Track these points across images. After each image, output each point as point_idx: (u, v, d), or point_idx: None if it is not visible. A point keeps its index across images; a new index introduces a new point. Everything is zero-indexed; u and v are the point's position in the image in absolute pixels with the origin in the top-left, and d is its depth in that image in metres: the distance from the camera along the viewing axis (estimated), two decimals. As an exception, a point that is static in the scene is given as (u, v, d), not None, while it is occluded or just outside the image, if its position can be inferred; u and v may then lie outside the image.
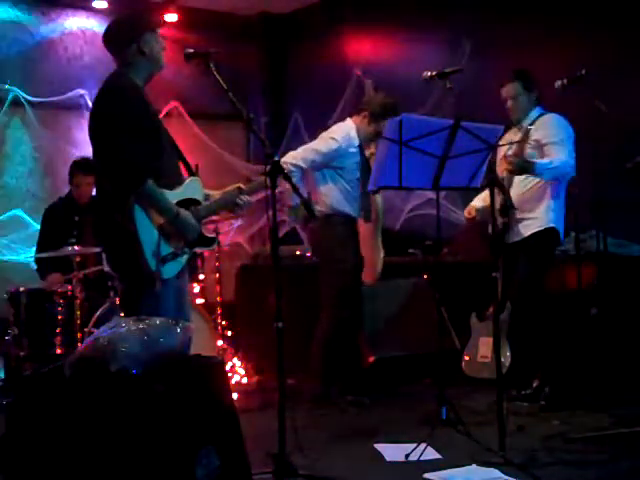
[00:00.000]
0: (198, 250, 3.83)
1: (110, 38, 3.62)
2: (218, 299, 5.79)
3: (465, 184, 3.76)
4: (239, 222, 7.11)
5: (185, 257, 3.57)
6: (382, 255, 5.28)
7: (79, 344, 4.76)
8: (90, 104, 6.15)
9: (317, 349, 5.01)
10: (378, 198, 5.19)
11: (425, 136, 3.53)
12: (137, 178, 3.34)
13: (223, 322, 5.74)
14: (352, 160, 5.02)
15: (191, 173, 3.72)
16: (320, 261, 5.19)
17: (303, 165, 4.95)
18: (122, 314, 3.72)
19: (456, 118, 3.57)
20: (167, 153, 3.60)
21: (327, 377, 5.00)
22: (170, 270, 3.47)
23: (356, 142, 5.04)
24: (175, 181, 3.58)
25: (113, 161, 3.38)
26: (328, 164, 5.00)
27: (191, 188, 3.65)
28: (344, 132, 5.03)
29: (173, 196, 3.51)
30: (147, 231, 3.38)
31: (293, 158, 4.94)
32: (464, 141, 3.58)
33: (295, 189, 3.64)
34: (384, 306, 5.71)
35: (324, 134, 5.08)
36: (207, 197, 3.76)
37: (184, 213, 3.49)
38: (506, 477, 3.43)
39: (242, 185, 3.80)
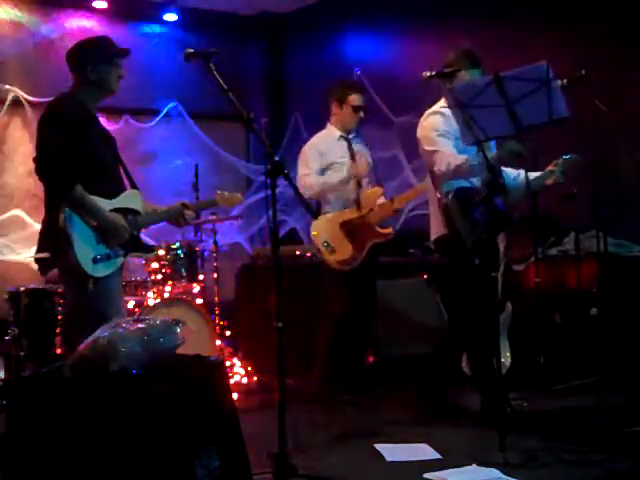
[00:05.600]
0: (136, 257, 4.25)
1: (67, 58, 3.95)
2: (216, 299, 5.80)
3: (547, 120, 3.86)
4: (238, 222, 7.13)
5: (120, 259, 3.85)
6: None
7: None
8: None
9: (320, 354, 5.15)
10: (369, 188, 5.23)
11: (478, 95, 3.83)
12: (64, 185, 3.66)
13: (222, 322, 5.74)
14: (339, 153, 5.18)
15: (133, 186, 4.04)
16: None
17: (317, 189, 5.10)
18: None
19: (494, 74, 3.80)
20: (105, 167, 3.90)
21: (331, 378, 5.06)
22: (102, 270, 3.74)
23: (336, 134, 5.25)
24: (114, 191, 3.89)
25: (44, 168, 3.71)
26: (324, 166, 5.16)
27: (129, 199, 3.95)
28: (314, 139, 5.29)
29: (109, 204, 3.81)
30: (81, 233, 3.68)
31: (308, 189, 5.04)
32: (518, 86, 3.79)
33: (295, 190, 3.69)
34: (384, 306, 5.71)
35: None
36: (155, 210, 4.13)
37: (113, 216, 3.78)
38: (506, 477, 3.43)
39: (186, 202, 4.21)
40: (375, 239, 5.09)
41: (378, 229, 5.11)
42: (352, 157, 5.18)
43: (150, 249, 4.16)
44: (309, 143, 5.30)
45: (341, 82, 5.42)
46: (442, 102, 4.46)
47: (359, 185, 5.16)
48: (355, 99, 5.19)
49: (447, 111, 4.26)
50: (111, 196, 3.85)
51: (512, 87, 3.79)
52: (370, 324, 5.31)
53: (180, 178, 6.69)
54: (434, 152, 4.35)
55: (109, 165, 3.95)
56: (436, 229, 4.48)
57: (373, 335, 5.46)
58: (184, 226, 4.40)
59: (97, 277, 3.72)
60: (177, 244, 5.47)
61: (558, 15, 5.74)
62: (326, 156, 5.17)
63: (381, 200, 5.17)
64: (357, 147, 5.27)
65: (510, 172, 4.48)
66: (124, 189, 3.98)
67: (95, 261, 3.70)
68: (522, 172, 4.38)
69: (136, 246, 3.98)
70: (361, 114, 5.22)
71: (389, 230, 5.14)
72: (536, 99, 3.80)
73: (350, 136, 5.27)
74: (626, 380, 4.84)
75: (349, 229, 5.08)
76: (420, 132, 4.48)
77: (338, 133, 5.24)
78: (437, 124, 4.40)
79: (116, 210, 3.83)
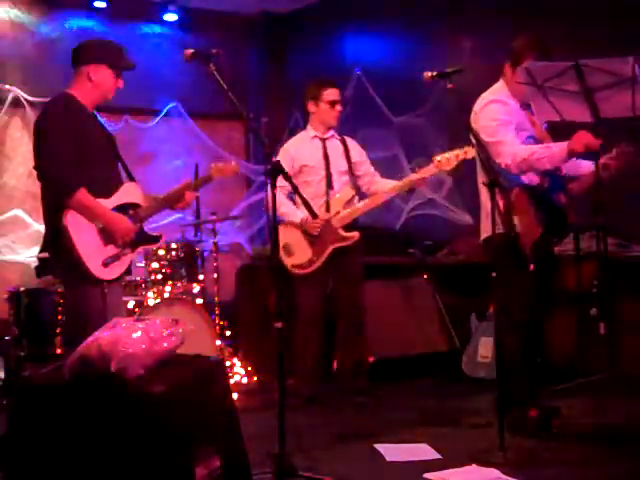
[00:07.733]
0: (142, 248, 4.14)
1: (75, 51, 3.92)
2: (216, 299, 5.79)
3: (629, 113, 3.79)
4: (238, 223, 7.15)
5: (129, 256, 3.85)
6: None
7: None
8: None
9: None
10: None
11: (555, 77, 3.78)
12: (68, 189, 3.64)
13: (222, 322, 5.74)
14: (310, 155, 5.08)
15: (132, 180, 4.02)
16: None
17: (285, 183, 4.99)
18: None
19: (574, 60, 3.72)
20: (105, 165, 3.88)
21: (308, 378, 5.05)
22: (115, 271, 3.77)
23: (310, 134, 5.16)
24: (113, 189, 3.87)
25: (46, 171, 3.70)
26: (296, 169, 5.04)
27: (127, 193, 3.92)
28: (288, 143, 5.22)
29: (110, 203, 3.80)
30: (88, 238, 3.68)
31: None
32: (598, 76, 3.73)
33: (296, 190, 3.74)
34: (384, 306, 5.71)
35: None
36: (155, 199, 4.08)
37: (118, 217, 3.78)
38: (506, 477, 3.43)
39: (190, 180, 4.25)
40: (337, 243, 4.93)
41: (342, 232, 4.95)
42: (325, 157, 5.07)
43: (156, 239, 4.10)
44: (283, 147, 5.20)
45: (313, 81, 5.23)
46: (499, 87, 4.21)
47: (330, 187, 5.05)
48: (329, 93, 5.05)
49: (508, 99, 4.08)
50: (110, 194, 3.83)
51: (593, 77, 3.69)
52: (357, 325, 5.20)
53: (180, 178, 6.68)
54: (496, 143, 4.00)
55: (109, 164, 3.94)
56: (487, 228, 4.04)
57: (373, 335, 5.44)
58: (185, 209, 4.36)
59: (111, 280, 3.71)
60: (177, 244, 5.47)
61: (558, 15, 5.73)
62: (297, 160, 5.06)
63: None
64: (332, 146, 5.13)
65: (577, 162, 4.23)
66: (121, 185, 3.95)
67: (106, 264, 3.69)
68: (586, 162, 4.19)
69: (142, 239, 3.96)
70: (338, 108, 5.08)
71: (354, 234, 4.95)
72: (619, 92, 3.69)
73: (326, 135, 5.14)
74: (626, 380, 4.84)
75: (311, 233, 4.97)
76: (478, 122, 4.10)
77: (313, 133, 5.13)
78: (497, 113, 4.07)
79: (118, 207, 3.82)
